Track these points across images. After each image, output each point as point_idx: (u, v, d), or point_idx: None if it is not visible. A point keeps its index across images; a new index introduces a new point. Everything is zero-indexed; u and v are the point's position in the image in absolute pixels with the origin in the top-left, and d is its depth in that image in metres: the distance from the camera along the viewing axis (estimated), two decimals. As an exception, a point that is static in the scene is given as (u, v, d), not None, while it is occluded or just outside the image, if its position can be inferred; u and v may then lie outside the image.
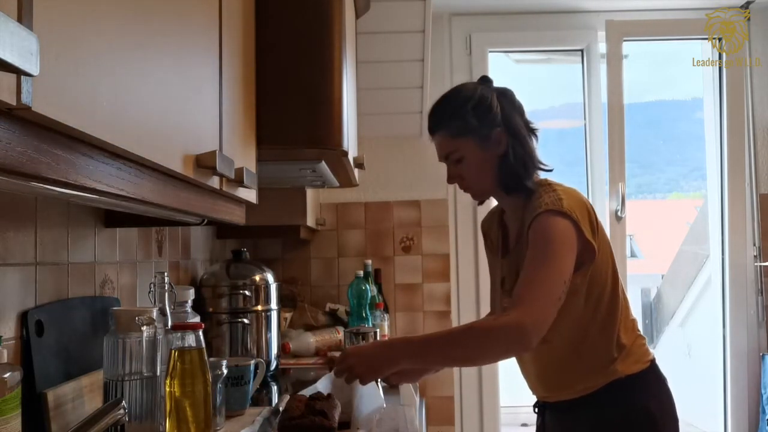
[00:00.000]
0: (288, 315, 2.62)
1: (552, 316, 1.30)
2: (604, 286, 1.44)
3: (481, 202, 1.58)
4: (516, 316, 1.27)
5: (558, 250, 1.33)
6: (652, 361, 1.49)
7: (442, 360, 1.47)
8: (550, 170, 1.51)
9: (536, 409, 1.61)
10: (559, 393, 1.51)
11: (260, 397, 1.83)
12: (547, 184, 1.45)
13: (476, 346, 1.31)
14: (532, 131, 1.50)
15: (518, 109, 1.51)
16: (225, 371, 1.41)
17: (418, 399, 2.11)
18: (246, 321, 1.98)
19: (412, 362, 1.40)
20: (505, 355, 1.41)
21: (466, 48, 3.06)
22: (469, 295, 3.01)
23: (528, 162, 1.46)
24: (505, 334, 1.28)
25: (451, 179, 1.52)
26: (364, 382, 1.35)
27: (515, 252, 1.49)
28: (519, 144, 1.46)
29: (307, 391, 1.53)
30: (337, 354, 1.87)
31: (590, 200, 3.11)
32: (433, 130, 1.52)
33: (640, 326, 1.53)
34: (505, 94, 1.50)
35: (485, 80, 1.54)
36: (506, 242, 1.58)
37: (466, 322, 1.47)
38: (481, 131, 1.45)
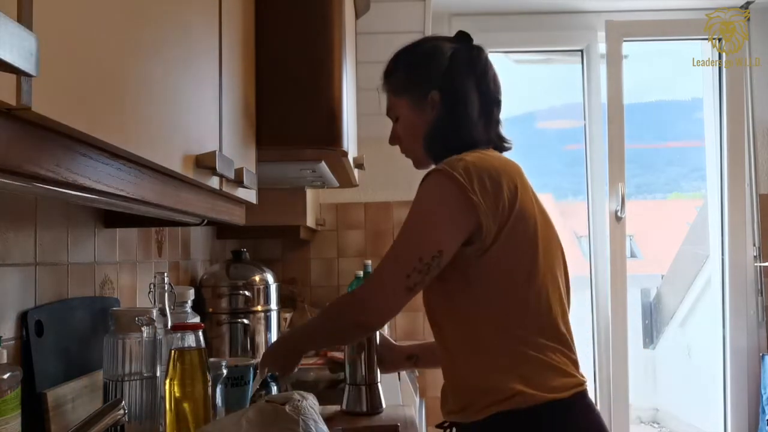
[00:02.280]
0: (288, 315, 2.62)
1: (395, 294, 1.15)
2: (512, 277, 1.17)
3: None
4: (357, 291, 1.20)
5: (422, 219, 1.18)
6: (578, 394, 1.16)
7: (321, 340, 1.41)
8: (509, 148, 1.34)
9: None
10: (465, 411, 1.20)
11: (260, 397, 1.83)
12: (484, 151, 1.26)
13: (329, 320, 1.27)
14: (495, 101, 1.31)
15: (479, 72, 1.30)
16: (225, 371, 1.40)
17: (418, 399, 2.11)
18: (246, 321, 1.98)
19: (306, 346, 1.37)
20: (354, 332, 1.28)
21: (466, 48, 3.06)
22: (469, 295, 3.00)
23: (462, 133, 1.26)
24: (346, 306, 1.23)
25: (391, 139, 1.39)
26: (286, 374, 1.33)
27: None
28: (457, 110, 1.27)
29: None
30: (337, 354, 1.87)
31: (590, 200, 3.14)
32: (382, 80, 1.39)
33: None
34: (471, 55, 1.30)
35: (461, 37, 1.35)
36: None
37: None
38: (415, 91, 1.30)
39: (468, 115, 1.27)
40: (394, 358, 1.55)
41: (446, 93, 1.28)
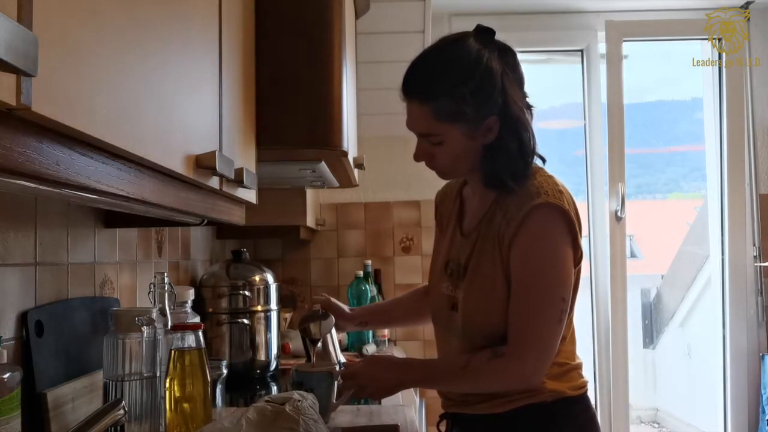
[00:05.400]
0: (288, 315, 2.62)
1: (554, 344, 1.18)
2: (575, 294, 1.25)
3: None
4: (513, 352, 1.16)
5: (555, 259, 1.17)
6: (585, 393, 1.28)
7: (452, 388, 1.34)
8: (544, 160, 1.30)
9: (440, 427, 1.38)
10: (487, 403, 1.25)
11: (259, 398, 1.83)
12: (541, 168, 1.26)
13: (478, 380, 1.22)
14: (529, 107, 1.25)
15: (519, 79, 1.24)
16: (225, 371, 1.40)
17: (418, 399, 2.11)
18: (246, 321, 1.98)
19: (419, 387, 1.36)
20: (515, 386, 1.23)
21: (466, 48, 3.05)
22: (469, 295, 3.00)
23: (519, 160, 1.20)
24: (505, 366, 1.18)
25: (418, 158, 1.25)
26: (375, 399, 1.33)
27: (474, 235, 1.26)
28: (514, 136, 1.19)
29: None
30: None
31: (590, 200, 3.14)
32: (412, 95, 1.22)
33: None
34: (507, 61, 1.23)
35: (485, 34, 1.25)
36: (461, 219, 1.35)
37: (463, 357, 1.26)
38: (472, 121, 1.18)
39: (528, 135, 1.21)
40: (347, 326, 1.56)
41: (505, 119, 1.19)
